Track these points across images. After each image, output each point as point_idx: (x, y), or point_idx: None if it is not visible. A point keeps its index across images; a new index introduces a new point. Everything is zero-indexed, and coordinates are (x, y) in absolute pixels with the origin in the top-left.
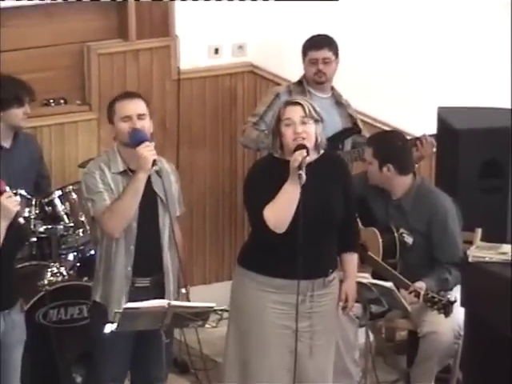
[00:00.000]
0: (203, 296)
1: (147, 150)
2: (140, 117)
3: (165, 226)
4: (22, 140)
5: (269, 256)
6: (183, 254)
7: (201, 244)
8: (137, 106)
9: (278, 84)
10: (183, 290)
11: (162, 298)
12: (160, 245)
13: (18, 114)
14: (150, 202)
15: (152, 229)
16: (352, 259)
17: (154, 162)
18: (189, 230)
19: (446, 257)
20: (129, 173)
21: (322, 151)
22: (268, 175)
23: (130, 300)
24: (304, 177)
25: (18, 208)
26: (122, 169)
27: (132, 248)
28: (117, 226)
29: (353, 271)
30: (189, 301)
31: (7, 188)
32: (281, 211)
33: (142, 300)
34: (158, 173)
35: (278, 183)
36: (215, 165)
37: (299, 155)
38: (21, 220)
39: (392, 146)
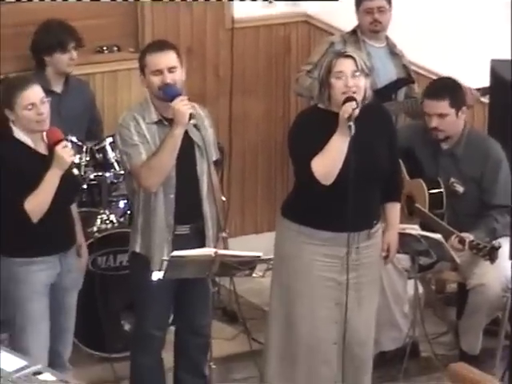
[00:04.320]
0: (254, 245)
1: (183, 105)
2: (171, 70)
3: (203, 172)
4: (75, 86)
5: (315, 208)
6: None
7: (252, 193)
8: (168, 59)
9: (332, 34)
10: (223, 234)
11: (203, 244)
12: (199, 191)
13: (62, 60)
14: (186, 149)
15: (190, 176)
16: (395, 209)
17: (191, 116)
18: (241, 180)
19: (496, 200)
20: (164, 122)
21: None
22: (314, 126)
23: (171, 247)
24: (353, 128)
25: (73, 159)
26: (156, 119)
27: (172, 197)
28: (154, 181)
29: (395, 221)
30: (227, 246)
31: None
32: (329, 163)
33: (182, 248)
34: (195, 126)
35: (325, 135)
36: (268, 114)
37: (349, 107)
38: (75, 171)
39: (460, 88)
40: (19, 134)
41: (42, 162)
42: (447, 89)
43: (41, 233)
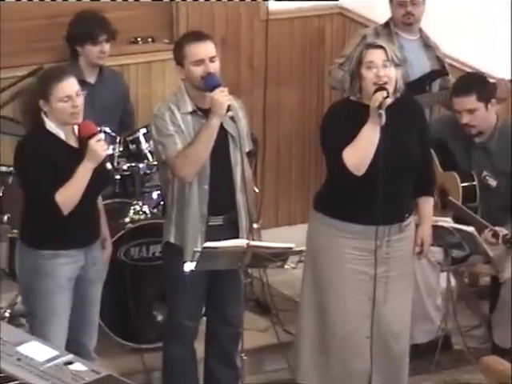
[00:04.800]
0: (287, 237)
1: (222, 96)
2: (212, 59)
3: (236, 163)
4: (108, 77)
5: (346, 201)
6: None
7: (286, 185)
8: (208, 49)
9: (366, 26)
10: (255, 226)
11: (236, 235)
12: (232, 182)
13: (93, 52)
14: (220, 140)
15: (224, 166)
16: (428, 203)
17: (229, 107)
18: (275, 171)
19: None
20: (198, 112)
21: (397, 95)
22: (345, 118)
23: (204, 239)
24: (384, 116)
25: (106, 153)
26: (191, 109)
27: (206, 187)
28: (190, 171)
29: (428, 215)
30: (260, 237)
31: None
32: (361, 152)
33: (215, 239)
34: (232, 118)
35: (356, 127)
36: (302, 105)
37: (380, 95)
38: (108, 165)
39: (487, 81)
40: (51, 125)
41: (73, 155)
42: (473, 84)
43: (68, 226)
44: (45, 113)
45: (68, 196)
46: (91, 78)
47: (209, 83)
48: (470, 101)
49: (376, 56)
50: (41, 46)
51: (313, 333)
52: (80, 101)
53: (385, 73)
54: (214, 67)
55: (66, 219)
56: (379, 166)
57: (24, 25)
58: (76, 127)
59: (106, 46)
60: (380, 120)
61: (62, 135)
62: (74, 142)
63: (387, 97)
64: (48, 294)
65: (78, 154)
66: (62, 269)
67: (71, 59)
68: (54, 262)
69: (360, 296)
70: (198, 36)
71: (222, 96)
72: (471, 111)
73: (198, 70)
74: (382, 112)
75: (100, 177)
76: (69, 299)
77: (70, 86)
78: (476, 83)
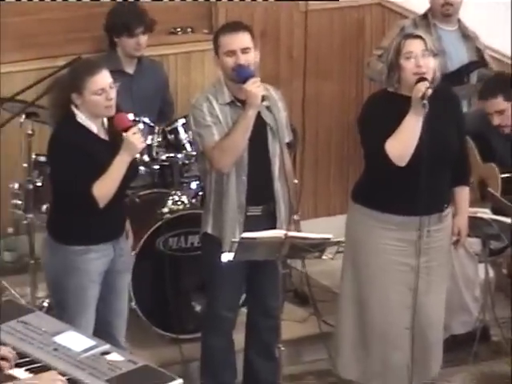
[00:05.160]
0: (326, 227)
1: (255, 87)
2: (244, 51)
3: (275, 154)
4: (148, 67)
5: (387, 192)
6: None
7: (325, 176)
8: (241, 40)
9: (405, 17)
10: (295, 217)
11: (274, 226)
12: (271, 173)
13: (129, 43)
14: (259, 130)
15: (262, 157)
16: (464, 193)
17: (263, 98)
18: (314, 162)
19: None
20: (236, 103)
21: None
22: (384, 110)
23: (242, 229)
24: (427, 106)
25: (143, 145)
26: (228, 100)
27: (244, 178)
28: (226, 162)
29: (465, 205)
30: (299, 228)
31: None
32: (404, 143)
33: (253, 229)
34: (268, 108)
35: (395, 118)
36: (341, 96)
37: (422, 86)
38: (145, 156)
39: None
40: (82, 118)
41: (104, 148)
42: (498, 85)
43: (100, 220)
44: (76, 105)
45: (105, 189)
46: (130, 69)
47: (240, 75)
48: (498, 102)
49: (415, 46)
50: (80, 36)
51: (353, 326)
52: (113, 93)
53: (424, 63)
54: (246, 59)
55: (98, 213)
56: (422, 156)
57: (64, 15)
58: (106, 120)
59: (143, 38)
60: (423, 110)
61: (93, 128)
62: (104, 135)
63: (429, 87)
64: (79, 288)
65: (109, 147)
66: (94, 263)
67: (110, 49)
68: (86, 257)
69: (401, 287)
70: (233, 27)
71: (254, 87)
72: (501, 112)
73: (229, 61)
74: (426, 102)
75: (132, 169)
76: (98, 292)
77: (103, 78)
78: (501, 84)
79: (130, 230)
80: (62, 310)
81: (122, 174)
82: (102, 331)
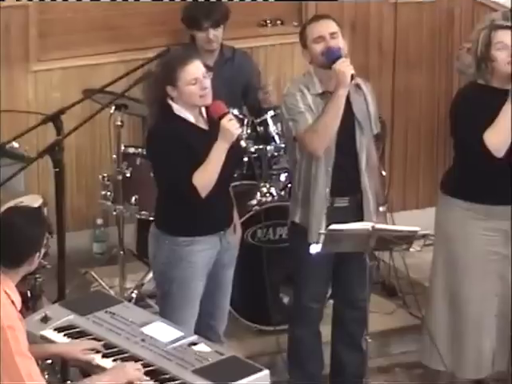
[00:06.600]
0: (415, 220)
1: (345, 65)
2: (332, 35)
3: (362, 146)
4: (238, 59)
5: (481, 183)
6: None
7: (414, 168)
8: (328, 25)
9: (495, 10)
10: (381, 209)
11: (360, 217)
12: (358, 164)
13: (201, 38)
14: (347, 122)
15: (350, 149)
16: None
17: (353, 77)
18: (403, 154)
19: None
20: (328, 95)
21: None
22: (478, 102)
23: (329, 220)
24: None
25: (239, 131)
26: (320, 90)
27: (330, 169)
28: (320, 144)
29: None
30: (386, 220)
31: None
32: (503, 134)
33: (340, 220)
34: (358, 86)
35: (489, 110)
36: (431, 89)
37: None
38: (242, 143)
39: None
40: (180, 110)
41: (204, 137)
42: None
43: (205, 211)
44: (171, 98)
45: (205, 178)
46: (210, 61)
47: (329, 56)
48: None
49: (507, 37)
50: (165, 28)
51: (446, 320)
52: (208, 82)
53: None
54: (335, 43)
55: (203, 204)
56: None
57: (145, 9)
58: (204, 109)
59: (212, 33)
60: None
61: (191, 118)
62: (203, 125)
63: None
64: (185, 280)
65: (209, 136)
66: (201, 255)
67: (190, 42)
68: (192, 248)
69: (492, 275)
70: (317, 16)
71: (344, 66)
72: None
73: (318, 47)
74: None
75: (233, 156)
76: (203, 286)
77: (196, 68)
78: None
79: (238, 224)
80: (166, 301)
81: (221, 161)
82: (204, 324)
